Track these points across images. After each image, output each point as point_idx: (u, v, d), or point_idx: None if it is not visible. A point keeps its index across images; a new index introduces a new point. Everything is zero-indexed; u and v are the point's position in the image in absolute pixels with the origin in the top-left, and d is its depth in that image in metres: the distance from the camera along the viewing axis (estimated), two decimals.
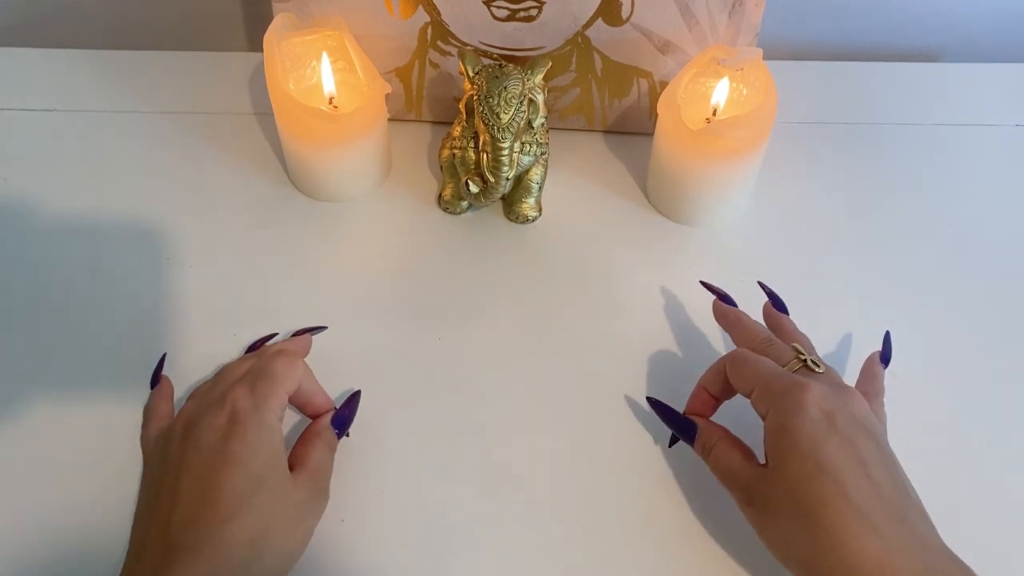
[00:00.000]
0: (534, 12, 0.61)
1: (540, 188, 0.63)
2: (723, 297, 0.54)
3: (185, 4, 0.76)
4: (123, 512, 0.50)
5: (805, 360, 0.47)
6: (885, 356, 0.52)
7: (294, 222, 0.63)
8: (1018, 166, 0.68)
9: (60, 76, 0.71)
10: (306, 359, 0.51)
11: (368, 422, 0.53)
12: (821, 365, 0.47)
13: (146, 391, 0.54)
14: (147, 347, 0.56)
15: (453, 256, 0.62)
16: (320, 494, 0.47)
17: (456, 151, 0.61)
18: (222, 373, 0.50)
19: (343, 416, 0.51)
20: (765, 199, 0.65)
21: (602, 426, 0.54)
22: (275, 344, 0.54)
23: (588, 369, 0.56)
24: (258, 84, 0.71)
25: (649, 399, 0.51)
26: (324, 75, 0.62)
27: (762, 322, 0.53)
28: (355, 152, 0.62)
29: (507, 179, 0.58)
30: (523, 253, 0.62)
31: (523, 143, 0.59)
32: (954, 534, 0.49)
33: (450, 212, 0.64)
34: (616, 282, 0.61)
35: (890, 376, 0.56)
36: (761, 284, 0.55)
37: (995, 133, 0.70)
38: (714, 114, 0.62)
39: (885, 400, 0.53)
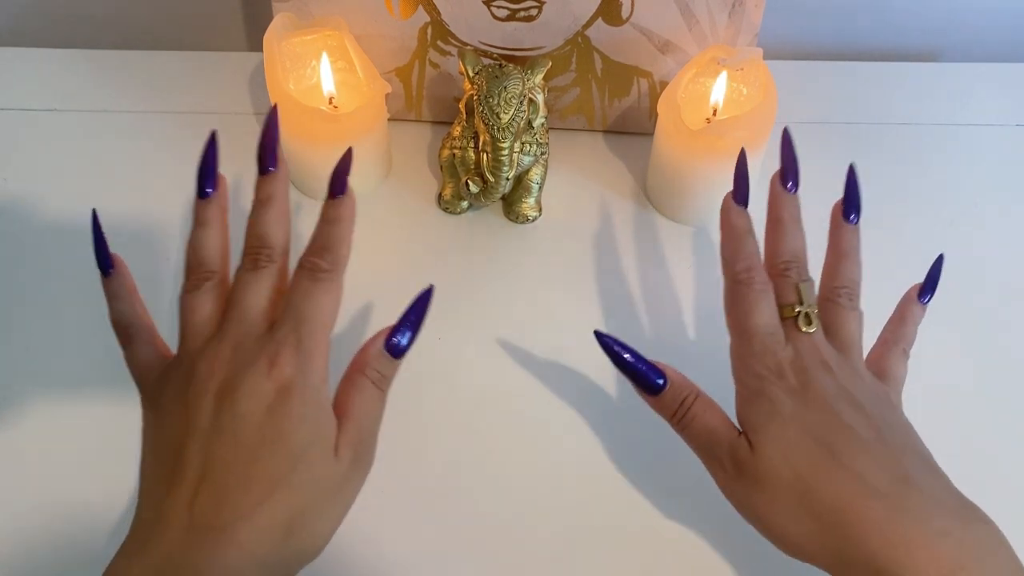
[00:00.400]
0: (534, 12, 0.61)
1: (540, 188, 0.63)
2: (789, 169, 0.47)
3: (185, 4, 0.76)
4: (122, 511, 0.50)
5: (798, 314, 0.43)
6: (927, 287, 0.48)
7: (294, 222, 0.63)
8: (1018, 166, 0.68)
9: (60, 76, 0.71)
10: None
11: None
12: (814, 322, 0.43)
13: None
14: None
15: (453, 256, 0.62)
16: (362, 462, 0.41)
17: (456, 151, 0.61)
18: (231, 296, 0.42)
19: (400, 334, 0.42)
20: (765, 199, 0.65)
21: (602, 425, 0.54)
22: (265, 221, 0.45)
23: (588, 368, 0.56)
24: (258, 84, 0.71)
25: (597, 333, 0.45)
26: (324, 75, 0.62)
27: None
28: (355, 152, 0.62)
29: (507, 179, 0.58)
30: (523, 253, 0.62)
31: (523, 143, 0.59)
32: None
33: (450, 212, 0.64)
34: (616, 282, 0.61)
35: None
36: (851, 169, 0.48)
37: (995, 133, 0.70)
38: (714, 114, 0.62)
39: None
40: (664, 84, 0.65)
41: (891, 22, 0.77)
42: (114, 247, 0.61)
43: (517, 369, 0.56)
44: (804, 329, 0.43)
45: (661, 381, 0.43)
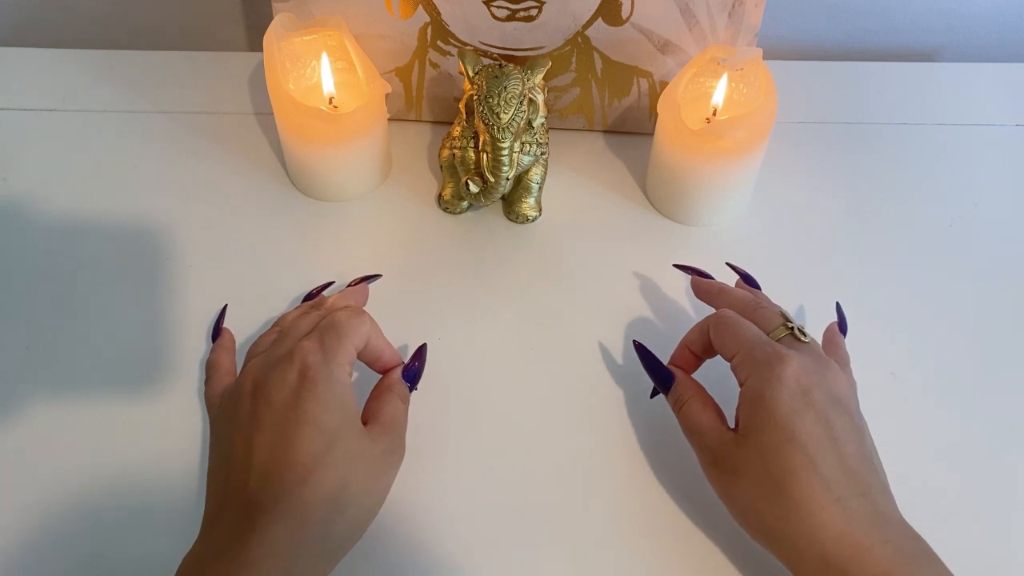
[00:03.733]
0: (534, 12, 0.61)
1: (540, 188, 0.63)
2: (700, 275, 0.56)
3: (185, 4, 0.76)
4: (121, 509, 0.50)
5: (792, 328, 0.47)
6: (842, 326, 0.52)
7: (294, 222, 0.63)
8: (1018, 166, 0.68)
9: (60, 76, 0.71)
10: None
11: None
12: (807, 335, 0.47)
13: (149, 389, 0.54)
14: (147, 347, 0.57)
15: (453, 256, 0.62)
16: (396, 447, 0.47)
17: (456, 151, 0.61)
18: (283, 325, 0.50)
19: (413, 369, 0.50)
20: (765, 199, 0.65)
21: (602, 425, 0.54)
22: (334, 295, 0.53)
23: (588, 369, 0.56)
24: (258, 84, 0.71)
25: (635, 343, 0.51)
26: (324, 75, 0.62)
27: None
28: (355, 152, 0.62)
29: (507, 179, 0.58)
30: (523, 253, 0.62)
31: (523, 143, 0.59)
32: (951, 532, 0.49)
33: (450, 212, 0.64)
34: (616, 282, 0.61)
35: (889, 376, 0.56)
36: (730, 264, 0.57)
37: (995, 133, 0.70)
38: (714, 114, 0.62)
39: (883, 399, 0.53)
40: (664, 84, 0.65)
41: (890, 22, 0.77)
42: (114, 247, 0.61)
43: (517, 369, 0.56)
44: (803, 340, 0.47)
45: (669, 383, 0.49)
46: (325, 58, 0.61)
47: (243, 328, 0.57)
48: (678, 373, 0.50)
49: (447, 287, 0.60)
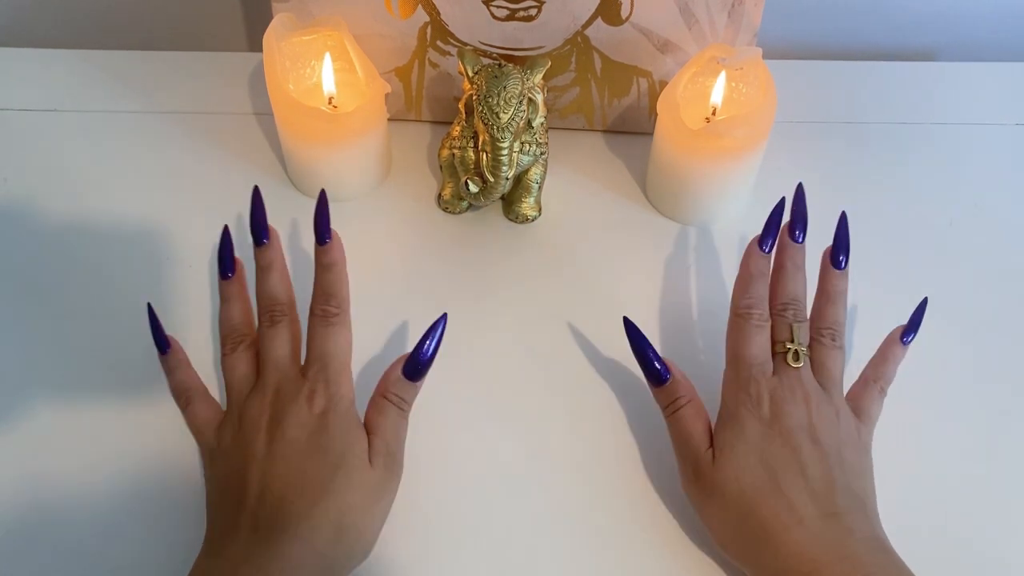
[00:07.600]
0: (533, 11, 0.61)
1: (540, 188, 0.63)
2: (798, 222, 0.52)
3: (185, 4, 0.76)
4: (120, 510, 0.50)
5: (787, 351, 0.48)
6: (910, 328, 0.51)
7: (294, 222, 0.63)
8: (1018, 166, 0.68)
9: (60, 76, 0.71)
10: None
11: None
12: (802, 359, 0.48)
13: (149, 390, 0.54)
14: (147, 347, 0.56)
15: (453, 256, 0.62)
16: (393, 469, 0.47)
17: (456, 151, 0.61)
18: (267, 352, 0.49)
19: (416, 360, 0.48)
20: (765, 199, 0.65)
21: (602, 426, 0.54)
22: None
23: (588, 369, 0.56)
24: (258, 84, 0.71)
25: (626, 320, 0.50)
26: (325, 75, 0.62)
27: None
28: (355, 152, 0.62)
29: (507, 178, 0.58)
30: (523, 253, 0.62)
31: (523, 143, 0.59)
32: (952, 531, 0.49)
33: (450, 212, 0.64)
34: (616, 281, 0.61)
35: None
36: (842, 216, 0.53)
37: (995, 133, 0.70)
38: (714, 113, 0.62)
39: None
40: (664, 84, 0.65)
41: (890, 22, 0.77)
42: (114, 247, 0.61)
43: (517, 368, 0.56)
44: (792, 364, 0.48)
45: (667, 376, 0.49)
46: (328, 58, 0.61)
47: None
48: (675, 370, 0.50)
49: (447, 287, 0.60)
